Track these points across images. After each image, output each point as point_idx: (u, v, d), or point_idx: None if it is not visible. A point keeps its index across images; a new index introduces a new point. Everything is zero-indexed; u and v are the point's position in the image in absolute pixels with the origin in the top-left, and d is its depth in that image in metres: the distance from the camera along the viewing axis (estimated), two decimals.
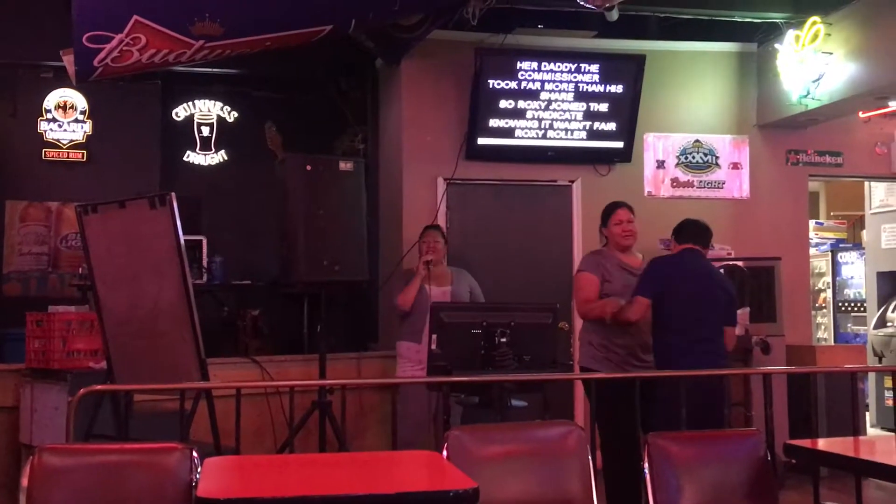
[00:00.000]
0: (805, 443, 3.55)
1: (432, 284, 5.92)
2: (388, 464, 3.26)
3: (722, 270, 6.58)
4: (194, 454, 3.08)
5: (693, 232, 5.06)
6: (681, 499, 3.28)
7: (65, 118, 8.03)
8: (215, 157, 8.46)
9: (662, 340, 4.87)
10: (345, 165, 6.06)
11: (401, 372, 6.04)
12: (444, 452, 3.25)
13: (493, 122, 6.94)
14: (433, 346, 4.61)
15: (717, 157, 7.56)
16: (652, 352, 4.96)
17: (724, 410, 4.38)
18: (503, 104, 6.93)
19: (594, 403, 4.42)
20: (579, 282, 5.21)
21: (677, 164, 7.50)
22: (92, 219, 5.14)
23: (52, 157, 8.02)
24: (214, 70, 7.57)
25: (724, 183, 7.57)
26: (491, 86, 6.88)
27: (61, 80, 7.50)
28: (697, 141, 7.53)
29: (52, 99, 8.01)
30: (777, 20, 7.05)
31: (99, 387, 4.46)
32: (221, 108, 8.49)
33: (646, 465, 3.30)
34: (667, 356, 4.80)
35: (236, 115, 8.50)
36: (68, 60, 5.23)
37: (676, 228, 5.14)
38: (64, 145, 8.04)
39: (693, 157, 7.52)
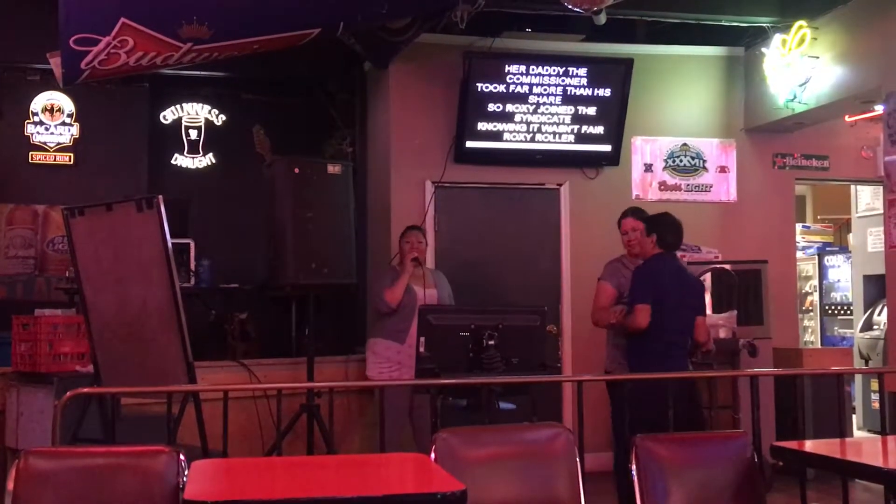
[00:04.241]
0: (792, 445, 3.56)
1: (418, 285, 5.91)
2: (375, 466, 3.26)
3: (709, 273, 6.62)
4: (181, 457, 3.07)
5: (671, 238, 5.23)
6: (668, 501, 3.28)
7: (52, 121, 8.01)
8: (203, 160, 8.44)
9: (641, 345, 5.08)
10: (333, 169, 6.06)
11: (375, 370, 5.98)
12: (432, 455, 3.24)
13: (482, 126, 6.95)
14: (421, 349, 4.61)
15: (704, 161, 7.59)
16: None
17: (701, 411, 4.45)
18: (491, 107, 6.94)
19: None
20: (597, 290, 5.52)
21: (665, 168, 7.52)
22: (79, 222, 5.12)
23: (39, 159, 7.98)
24: (202, 73, 7.56)
25: (711, 186, 7.60)
26: (479, 89, 6.89)
27: (48, 82, 7.47)
28: (685, 144, 7.56)
29: (39, 102, 7.98)
30: (764, 24, 7.08)
31: (85, 390, 4.45)
32: (209, 111, 8.47)
33: (633, 467, 3.31)
34: (646, 360, 4.99)
35: (224, 118, 8.49)
36: (55, 63, 5.21)
37: (654, 227, 5.27)
38: (51, 148, 8.01)
39: (680, 161, 7.54)
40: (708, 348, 5.38)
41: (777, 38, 6.95)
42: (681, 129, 7.57)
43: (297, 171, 5.87)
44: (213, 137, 8.46)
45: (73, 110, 8.05)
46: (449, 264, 6.71)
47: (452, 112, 6.96)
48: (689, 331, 5.19)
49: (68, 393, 3.79)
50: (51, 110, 8.01)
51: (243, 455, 5.33)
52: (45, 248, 7.96)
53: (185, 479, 2.98)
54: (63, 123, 8.03)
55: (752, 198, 7.64)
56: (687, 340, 5.18)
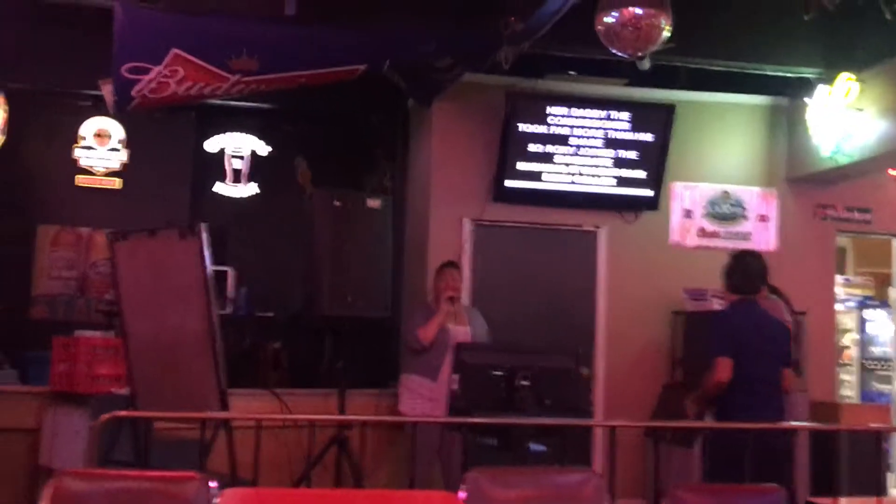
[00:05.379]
0: (826, 502, 3.51)
1: (451, 322, 5.91)
2: (403, 503, 3.25)
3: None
4: (212, 485, 3.09)
5: (739, 281, 4.99)
6: None
7: (101, 146, 8.16)
8: (245, 190, 8.54)
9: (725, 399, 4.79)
10: (372, 203, 6.11)
11: (408, 406, 6.00)
12: (462, 494, 3.23)
13: (522, 166, 6.98)
14: (454, 387, 4.61)
15: (744, 209, 7.54)
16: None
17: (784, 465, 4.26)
18: (532, 148, 6.97)
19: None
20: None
21: (704, 215, 7.48)
22: (122, 246, 5.21)
23: (85, 183, 8.13)
24: (248, 104, 7.67)
25: (751, 235, 7.53)
26: (520, 129, 6.92)
27: (99, 108, 7.62)
28: (725, 192, 7.52)
29: (90, 126, 8.14)
30: (808, 75, 7.06)
31: (122, 413, 4.49)
32: (254, 142, 8.59)
33: None
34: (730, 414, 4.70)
35: (269, 148, 8.60)
36: (107, 90, 5.34)
37: (724, 271, 5.06)
38: (98, 172, 8.15)
39: (720, 208, 7.50)
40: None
41: (822, 89, 6.91)
42: (722, 176, 7.53)
43: (337, 203, 5.93)
44: (255, 167, 8.56)
45: (123, 136, 8.19)
46: (484, 302, 6.71)
47: (493, 151, 7.00)
48: (776, 380, 4.82)
49: (104, 416, 3.83)
50: (100, 135, 8.16)
51: (271, 484, 5.32)
52: (87, 270, 8.08)
53: None
54: (112, 149, 8.18)
55: (793, 248, 7.56)
56: (776, 391, 4.79)
